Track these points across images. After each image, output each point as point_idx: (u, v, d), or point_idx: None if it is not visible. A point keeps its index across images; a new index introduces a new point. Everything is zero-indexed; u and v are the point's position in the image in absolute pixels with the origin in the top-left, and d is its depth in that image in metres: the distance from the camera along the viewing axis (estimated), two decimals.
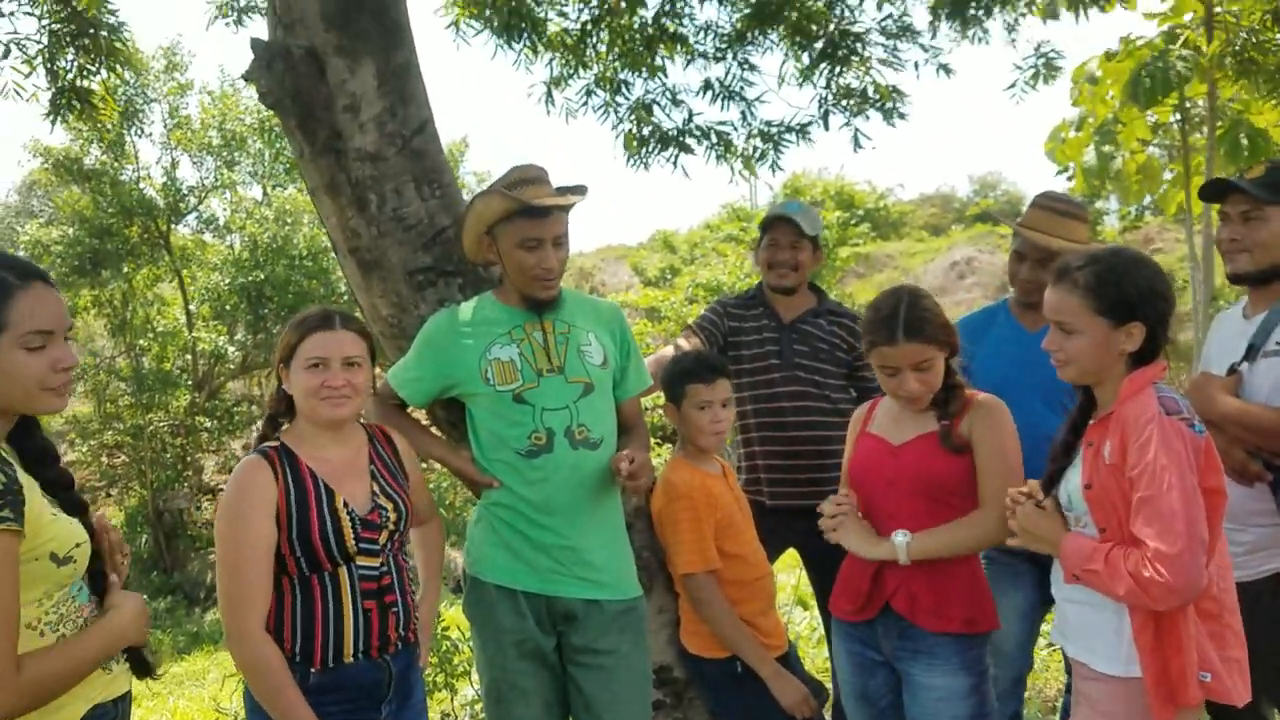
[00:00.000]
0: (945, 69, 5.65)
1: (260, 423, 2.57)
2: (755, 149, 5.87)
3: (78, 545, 1.90)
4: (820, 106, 5.71)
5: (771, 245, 3.73)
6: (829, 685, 3.67)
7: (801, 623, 5.84)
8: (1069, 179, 12.46)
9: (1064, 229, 3.23)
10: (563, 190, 2.76)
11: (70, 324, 1.94)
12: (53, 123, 5.21)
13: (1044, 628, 4.04)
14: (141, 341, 18.01)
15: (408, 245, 3.04)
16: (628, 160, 5.85)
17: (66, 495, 2.00)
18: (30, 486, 1.84)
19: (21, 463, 1.93)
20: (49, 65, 4.94)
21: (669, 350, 3.72)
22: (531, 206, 2.65)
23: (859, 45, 5.54)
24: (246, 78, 3.05)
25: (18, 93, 5.09)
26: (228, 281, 17.32)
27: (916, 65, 5.67)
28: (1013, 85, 5.73)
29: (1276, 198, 2.67)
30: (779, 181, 25.08)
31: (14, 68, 4.91)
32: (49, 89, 5.04)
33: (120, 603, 2.03)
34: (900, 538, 2.55)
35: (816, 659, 5.09)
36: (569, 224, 2.75)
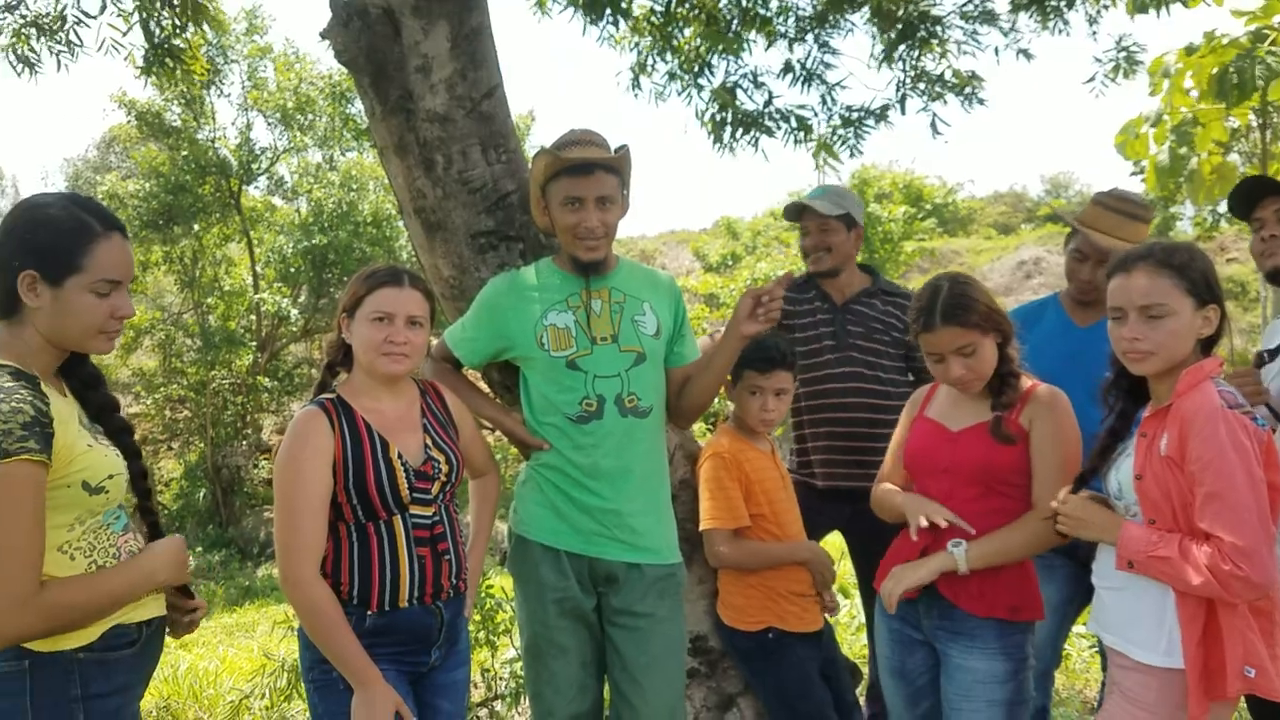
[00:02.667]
0: (1025, 54, 5.54)
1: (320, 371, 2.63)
2: (835, 133, 5.81)
3: (111, 476, 1.97)
4: (898, 90, 5.65)
5: (803, 234, 3.77)
6: (864, 670, 3.69)
7: (842, 610, 5.83)
8: (1142, 179, 12.17)
9: (1129, 231, 3.17)
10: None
11: (133, 276, 2.04)
12: (146, 79, 5.32)
13: (1079, 629, 4.01)
14: (209, 299, 18.38)
15: (471, 208, 3.08)
16: (713, 145, 5.83)
17: (111, 419, 2.09)
18: (69, 417, 1.92)
19: (70, 388, 2.04)
20: (145, 22, 5.03)
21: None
22: (570, 162, 2.68)
23: (938, 28, 5.45)
24: (324, 35, 3.10)
25: (116, 48, 5.19)
26: (293, 244, 17.59)
27: (996, 50, 5.58)
28: (1092, 79, 5.61)
29: None
30: (847, 172, 24.85)
31: (110, 24, 5.00)
32: (144, 47, 5.14)
33: (155, 545, 2.11)
34: (957, 549, 2.51)
35: (854, 645, 5.09)
36: (619, 188, 2.75)
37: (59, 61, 5.04)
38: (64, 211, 1.95)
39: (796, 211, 3.77)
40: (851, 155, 5.85)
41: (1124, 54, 5.56)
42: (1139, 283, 2.18)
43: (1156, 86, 9.63)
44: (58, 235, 1.92)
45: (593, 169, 2.69)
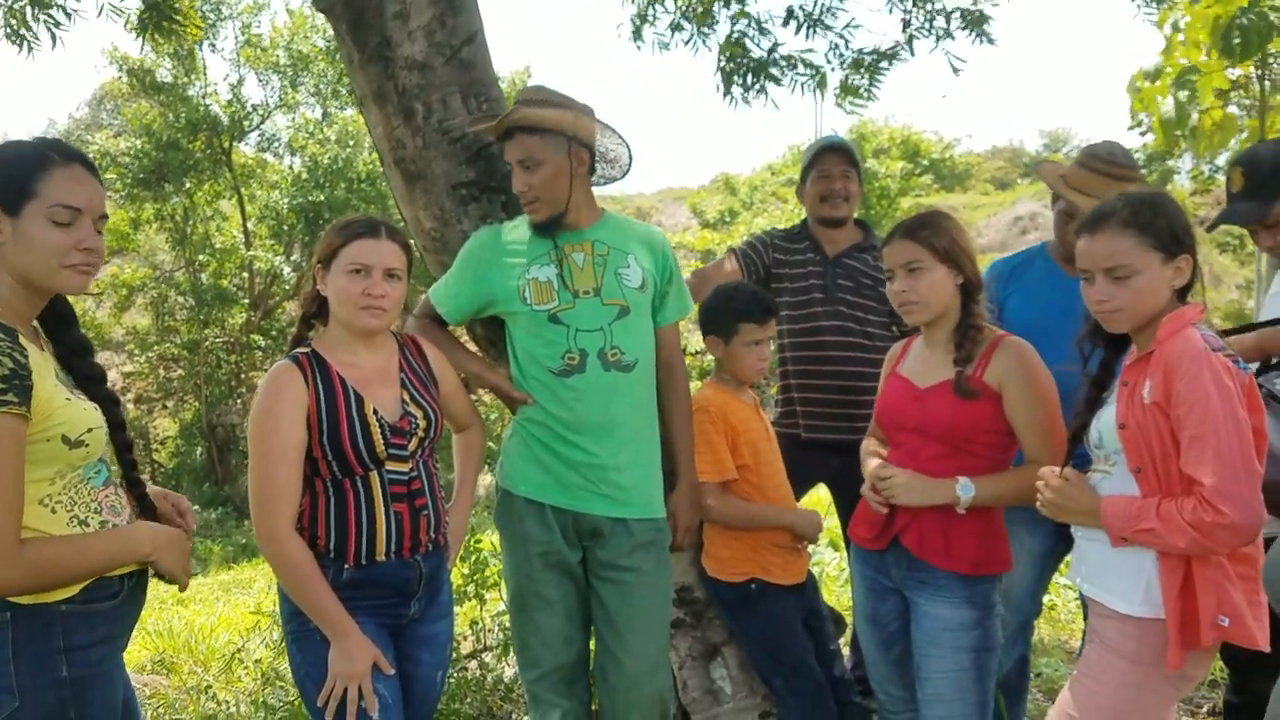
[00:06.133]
0: None
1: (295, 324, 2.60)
2: (849, 79, 5.68)
3: (90, 430, 1.94)
4: (905, 29, 5.53)
5: (822, 177, 3.72)
6: (849, 619, 3.71)
7: (831, 563, 5.86)
8: (1141, 134, 12.10)
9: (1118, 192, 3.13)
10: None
11: (103, 213, 1.98)
12: (142, 40, 5.24)
13: (1064, 580, 4.01)
14: (201, 257, 18.30)
15: (452, 158, 3.03)
16: (724, 96, 5.74)
17: (84, 364, 2.06)
18: (47, 370, 1.90)
19: (43, 327, 2.01)
20: None
21: (711, 268, 3.74)
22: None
23: None
24: None
25: (116, 14, 5.11)
26: (287, 201, 17.46)
27: None
28: (1138, 10, 5.51)
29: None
30: (845, 126, 24.65)
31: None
32: (139, 8, 5.06)
33: (150, 523, 2.09)
34: (965, 492, 2.50)
35: (842, 597, 5.11)
36: (546, 148, 2.67)
37: (54, 36, 4.95)
38: (24, 145, 1.92)
39: (820, 153, 3.75)
40: (868, 99, 5.71)
41: None
42: (1102, 245, 2.18)
43: (1173, 42, 9.44)
44: (13, 164, 1.88)
45: (512, 133, 2.69)
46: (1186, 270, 2.16)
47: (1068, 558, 2.75)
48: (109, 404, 2.06)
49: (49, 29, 4.89)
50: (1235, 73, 10.55)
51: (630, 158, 2.90)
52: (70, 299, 2.10)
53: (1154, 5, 5.48)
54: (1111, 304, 2.18)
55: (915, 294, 2.59)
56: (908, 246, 2.59)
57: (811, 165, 3.77)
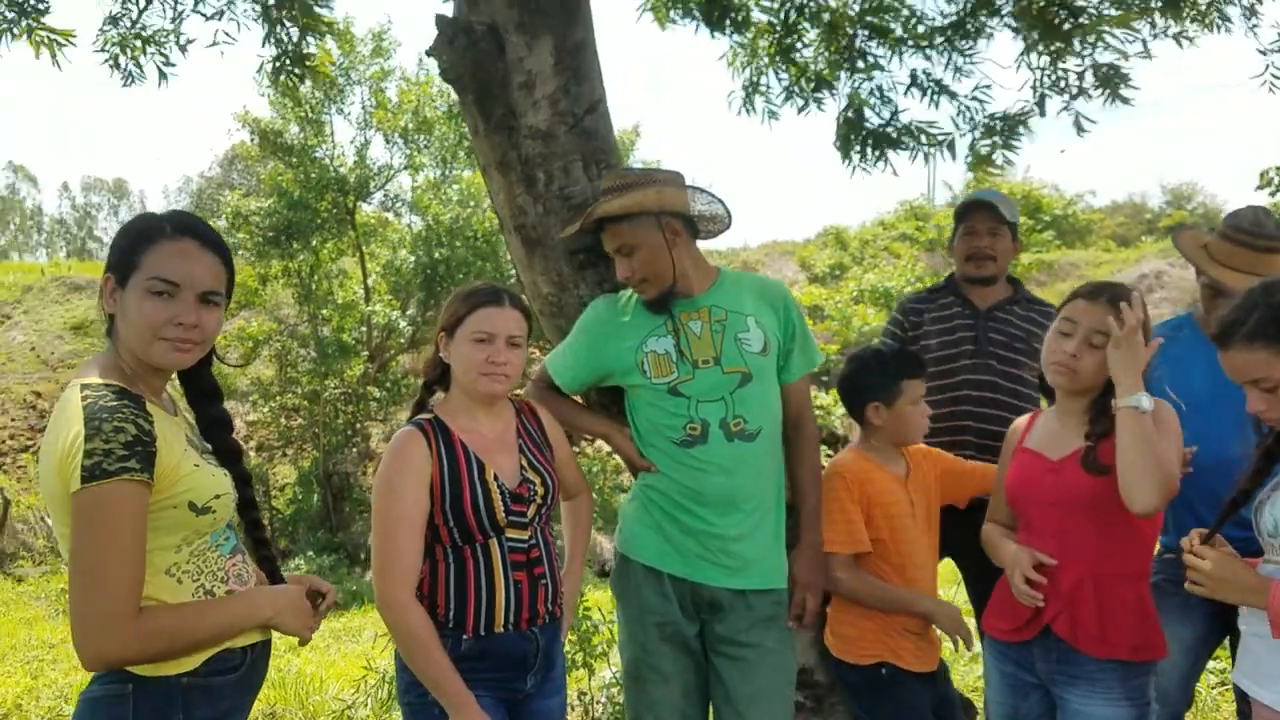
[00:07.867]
0: (1183, 38, 5.15)
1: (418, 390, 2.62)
2: (978, 144, 5.54)
3: (217, 496, 1.93)
4: (1035, 91, 5.36)
5: (969, 234, 3.57)
6: (979, 703, 3.52)
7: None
8: (1271, 193, 11.56)
9: (1266, 267, 2.90)
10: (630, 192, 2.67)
11: (211, 288, 1.93)
12: (274, 84, 5.35)
13: (1212, 664, 3.75)
14: (323, 311, 18.86)
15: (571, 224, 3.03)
16: (843, 161, 5.66)
17: (221, 437, 2.07)
18: (175, 436, 1.89)
19: (189, 397, 2.02)
20: (270, 30, 5.08)
21: None
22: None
23: (1078, 17, 5.11)
24: (430, 53, 3.10)
25: (228, 42, 5.20)
26: (413, 260, 17.94)
27: (1145, 43, 5.21)
28: (1263, 72, 5.21)
29: None
30: (960, 182, 24.25)
31: (226, 32, 5.05)
32: (272, 57, 5.19)
33: (272, 587, 2.09)
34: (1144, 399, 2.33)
35: (968, 676, 4.89)
36: (639, 231, 2.64)
37: (161, 74, 5.07)
38: (148, 217, 1.95)
39: (968, 209, 3.61)
40: (1002, 168, 5.54)
41: None
42: (1236, 361, 2.09)
43: None
44: (130, 236, 1.91)
45: (602, 224, 2.68)
46: None
47: (1220, 646, 2.57)
48: (241, 483, 2.06)
49: (158, 67, 5.05)
50: None
51: (728, 212, 2.85)
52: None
53: None
54: (1271, 414, 2.09)
55: (1078, 360, 2.48)
56: (1092, 309, 2.47)
57: (959, 222, 3.64)
